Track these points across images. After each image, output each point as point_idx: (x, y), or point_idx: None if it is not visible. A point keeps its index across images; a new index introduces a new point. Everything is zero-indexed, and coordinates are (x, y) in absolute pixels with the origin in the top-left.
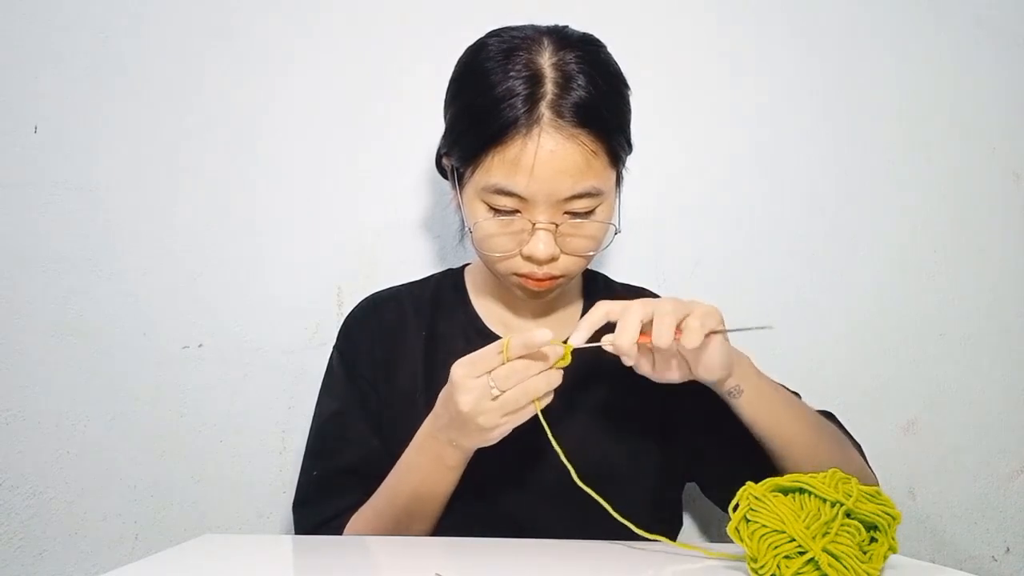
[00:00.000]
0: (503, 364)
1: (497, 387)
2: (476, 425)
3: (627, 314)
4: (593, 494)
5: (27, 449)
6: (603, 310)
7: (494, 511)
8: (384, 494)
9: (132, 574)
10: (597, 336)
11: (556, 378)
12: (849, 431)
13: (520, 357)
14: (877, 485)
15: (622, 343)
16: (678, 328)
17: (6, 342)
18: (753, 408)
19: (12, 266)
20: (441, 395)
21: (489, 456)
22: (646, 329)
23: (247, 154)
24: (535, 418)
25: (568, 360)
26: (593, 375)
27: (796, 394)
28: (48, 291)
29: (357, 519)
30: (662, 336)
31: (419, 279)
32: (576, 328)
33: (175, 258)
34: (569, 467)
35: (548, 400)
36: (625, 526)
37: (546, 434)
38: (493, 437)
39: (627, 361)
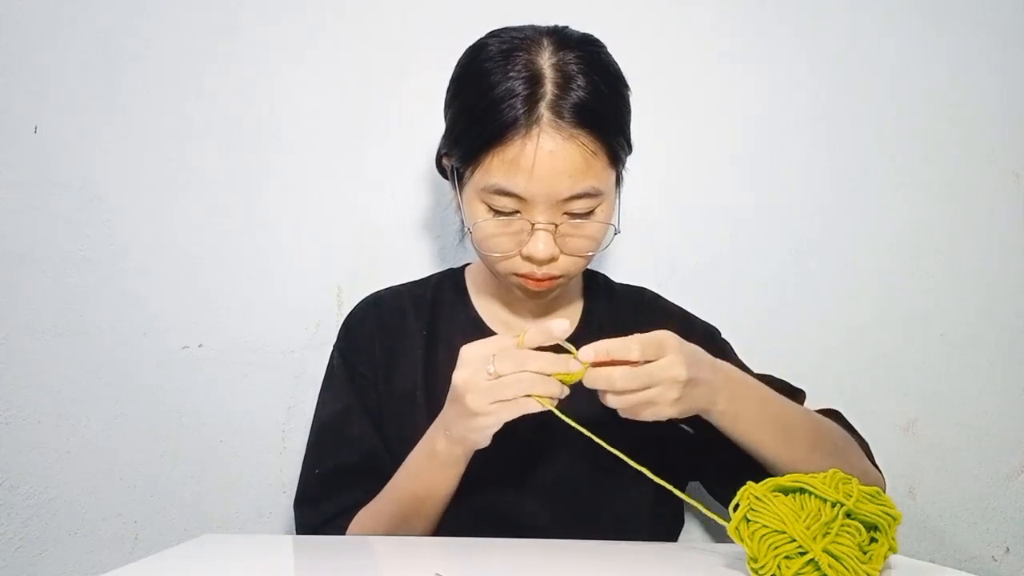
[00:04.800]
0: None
1: (495, 368)
2: (465, 405)
3: (607, 376)
4: (623, 456)
5: (27, 449)
6: (632, 356)
7: (494, 511)
8: (387, 493)
9: (132, 574)
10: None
11: (556, 388)
12: (855, 428)
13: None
14: (883, 484)
15: (587, 382)
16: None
17: (6, 342)
18: (727, 431)
19: (12, 266)
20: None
21: (490, 456)
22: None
23: (247, 154)
24: (535, 419)
25: (581, 375)
26: None
27: (800, 391)
28: (48, 291)
29: (361, 517)
30: (619, 406)
31: (420, 278)
32: (593, 346)
33: (175, 258)
34: (597, 440)
35: (552, 404)
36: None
37: (552, 428)
38: (480, 425)
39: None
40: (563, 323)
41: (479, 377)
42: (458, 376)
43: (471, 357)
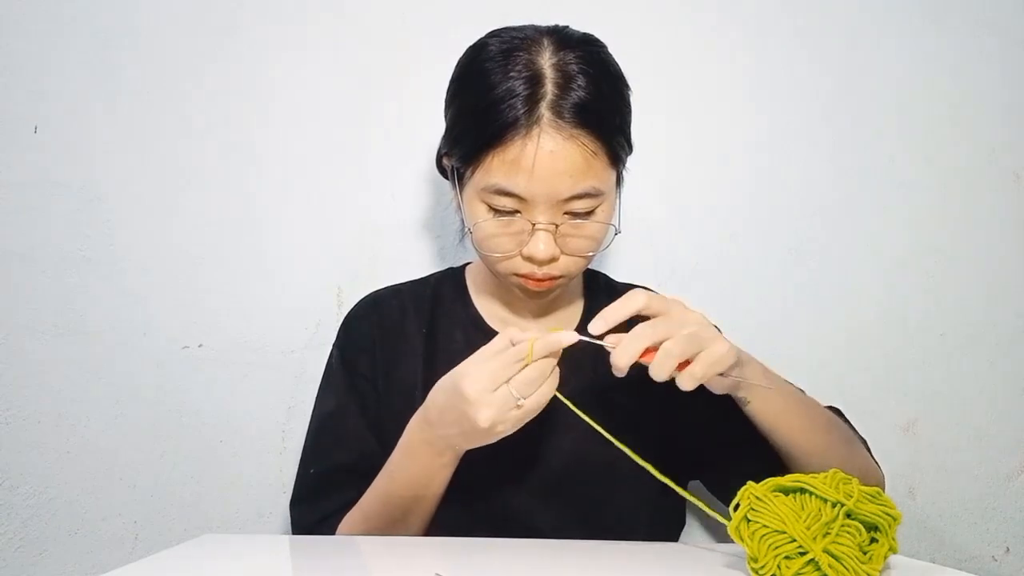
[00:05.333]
0: (523, 368)
1: (521, 395)
2: (494, 434)
3: (638, 334)
4: (627, 450)
5: (27, 449)
6: (639, 304)
7: (494, 511)
8: (375, 496)
9: (132, 574)
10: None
11: (557, 375)
12: (853, 426)
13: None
14: (882, 479)
15: (619, 361)
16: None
17: (6, 342)
18: (761, 415)
19: (12, 266)
20: (436, 402)
21: (488, 456)
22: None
23: (247, 154)
24: (536, 418)
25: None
26: (594, 373)
27: (800, 391)
28: (48, 291)
29: (348, 521)
30: (659, 373)
31: (420, 277)
32: (600, 316)
33: (175, 258)
34: (605, 433)
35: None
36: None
37: (553, 428)
38: (501, 438)
39: (617, 373)
40: (572, 334)
41: (506, 411)
42: (484, 419)
43: (481, 391)
